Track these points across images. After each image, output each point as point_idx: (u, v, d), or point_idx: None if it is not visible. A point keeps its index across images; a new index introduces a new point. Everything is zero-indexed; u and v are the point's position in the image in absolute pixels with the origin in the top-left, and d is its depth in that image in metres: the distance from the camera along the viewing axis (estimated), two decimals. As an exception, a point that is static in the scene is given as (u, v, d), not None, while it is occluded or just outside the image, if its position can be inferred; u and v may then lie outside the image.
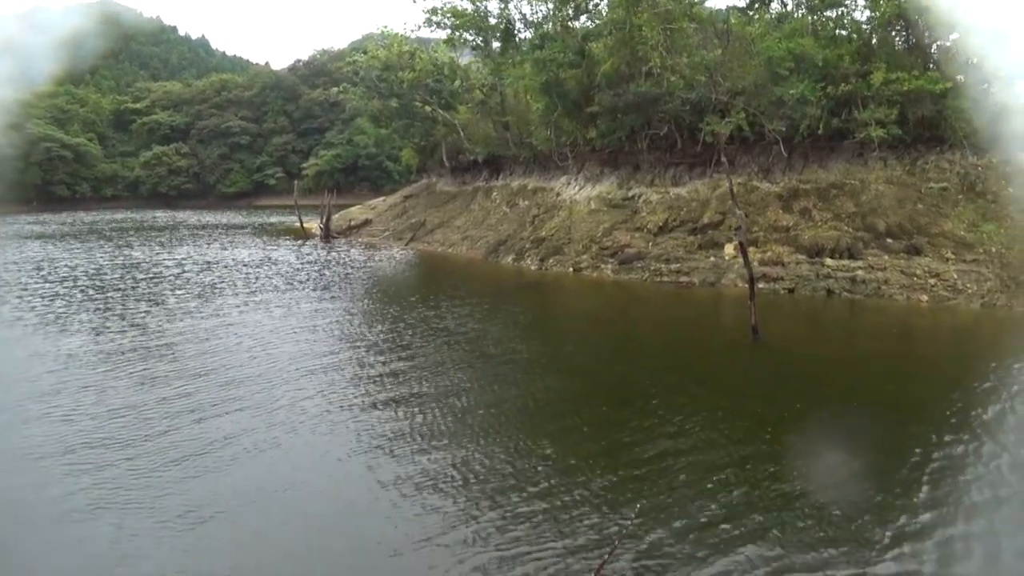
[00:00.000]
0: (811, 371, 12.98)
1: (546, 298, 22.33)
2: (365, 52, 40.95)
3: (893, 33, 23.49)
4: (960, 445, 8.91)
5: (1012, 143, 22.92)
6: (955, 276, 19.24)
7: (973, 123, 21.92)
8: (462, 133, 37.03)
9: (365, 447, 9.31)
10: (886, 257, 20.48)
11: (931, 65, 22.85)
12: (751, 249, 22.21)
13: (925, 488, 7.81)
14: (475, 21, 31.36)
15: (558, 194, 31.04)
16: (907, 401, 10.97)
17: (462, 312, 18.49)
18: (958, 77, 22.57)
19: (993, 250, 19.81)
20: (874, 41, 23.15)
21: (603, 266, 24.52)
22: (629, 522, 6.84)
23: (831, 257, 20.84)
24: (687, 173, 26.48)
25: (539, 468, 8.61)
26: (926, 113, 21.88)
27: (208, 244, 37.67)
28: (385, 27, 38.00)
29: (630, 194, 27.37)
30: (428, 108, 39.01)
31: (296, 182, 59.00)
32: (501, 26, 30.97)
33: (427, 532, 7.07)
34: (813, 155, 24.25)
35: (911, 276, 19.62)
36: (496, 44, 32.42)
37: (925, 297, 18.90)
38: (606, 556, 6.31)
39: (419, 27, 36.61)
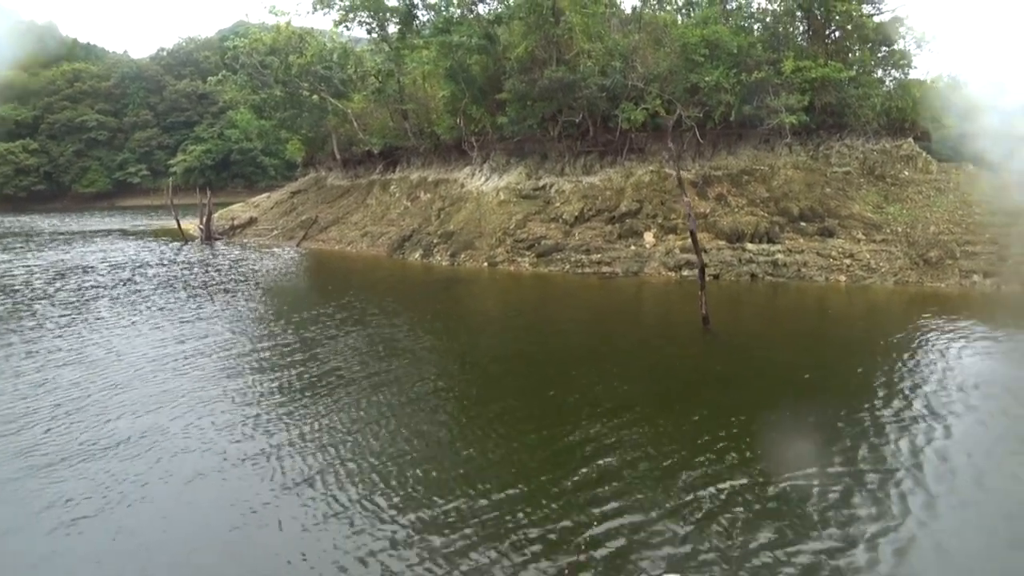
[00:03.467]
0: (772, 359, 12.55)
1: (466, 295, 21.05)
2: (245, 36, 37.87)
3: (796, 23, 23.93)
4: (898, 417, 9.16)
5: (904, 129, 24.10)
6: (868, 256, 19.74)
7: (872, 110, 22.71)
8: (356, 123, 34.92)
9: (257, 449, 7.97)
10: (802, 240, 20.79)
11: (829, 55, 23.45)
12: (672, 236, 22.13)
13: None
14: (371, 3, 29.42)
15: (463, 185, 29.84)
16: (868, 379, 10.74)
17: (374, 314, 17.00)
18: (854, 67, 23.32)
19: (899, 230, 20.51)
20: (780, 30, 23.46)
21: (520, 259, 23.58)
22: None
23: (751, 242, 20.91)
24: (598, 161, 26.00)
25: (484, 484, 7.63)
26: (830, 100, 22.42)
27: (71, 250, 33.78)
28: (273, 7, 35.09)
29: (540, 184, 26.59)
30: (317, 97, 36.62)
31: (170, 180, 54.21)
32: (401, 8, 29.19)
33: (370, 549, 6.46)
34: (722, 142, 24.41)
35: (827, 257, 19.98)
36: (393, 28, 30.65)
37: (843, 277, 19.28)
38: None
39: (310, 12, 33.90)
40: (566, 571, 5.90)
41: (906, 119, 23.71)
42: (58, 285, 22.12)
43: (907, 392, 10.09)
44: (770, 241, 20.87)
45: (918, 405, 9.54)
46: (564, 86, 23.05)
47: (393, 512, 7.10)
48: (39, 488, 7.74)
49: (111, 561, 6.50)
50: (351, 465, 8.25)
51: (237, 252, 31.87)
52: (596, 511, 6.91)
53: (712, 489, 7.32)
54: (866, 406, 9.55)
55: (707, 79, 21.66)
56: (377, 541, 6.59)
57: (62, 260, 29.18)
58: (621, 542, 6.44)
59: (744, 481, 7.49)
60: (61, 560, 6.51)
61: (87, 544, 6.71)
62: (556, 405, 10.18)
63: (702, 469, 7.79)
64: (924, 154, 23.75)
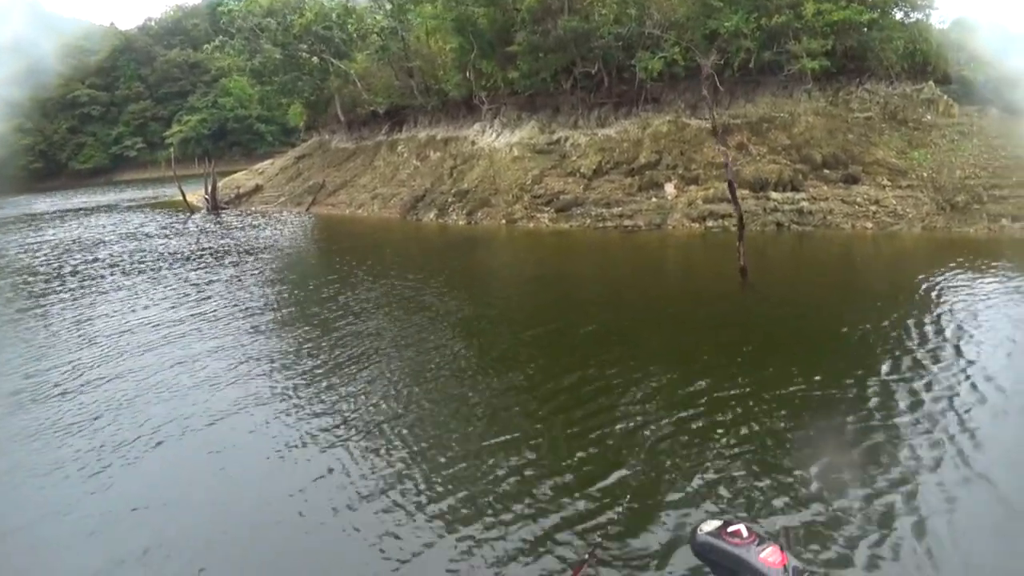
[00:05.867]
0: (813, 310, 12.23)
1: (486, 253, 20.78)
2: (241, -1, 37.01)
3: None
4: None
5: (924, 73, 23.59)
6: (894, 202, 19.42)
7: (895, 53, 22.18)
8: (359, 84, 34.26)
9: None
10: (826, 188, 20.43)
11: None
12: (693, 187, 21.79)
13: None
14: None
15: (473, 143, 29.34)
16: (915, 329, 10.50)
17: (398, 277, 16.71)
18: (875, 9, 22.70)
19: (924, 175, 20.14)
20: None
21: (539, 215, 23.25)
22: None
23: (775, 190, 20.56)
24: (613, 113, 25.49)
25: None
26: (851, 44, 21.87)
27: (79, 226, 33.45)
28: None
29: (555, 138, 26.11)
30: (317, 59, 35.81)
31: (171, 151, 53.55)
32: (403, -39, 28.43)
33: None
34: (739, 90, 23.85)
35: (853, 204, 19.66)
36: (395, -17, 29.90)
37: (870, 224, 19.00)
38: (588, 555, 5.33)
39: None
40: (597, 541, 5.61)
41: (928, 62, 23.16)
42: (75, 260, 21.92)
43: (956, 339, 9.69)
44: (794, 189, 20.52)
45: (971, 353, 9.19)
46: (578, 36, 22.47)
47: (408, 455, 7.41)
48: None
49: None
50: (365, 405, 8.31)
51: (245, 220, 31.55)
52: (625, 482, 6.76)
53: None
54: (917, 358, 9.14)
55: (727, 25, 21.09)
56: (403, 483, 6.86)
57: (70, 236, 28.94)
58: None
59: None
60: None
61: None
62: (601, 362, 9.99)
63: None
64: (945, 97, 23.25)
